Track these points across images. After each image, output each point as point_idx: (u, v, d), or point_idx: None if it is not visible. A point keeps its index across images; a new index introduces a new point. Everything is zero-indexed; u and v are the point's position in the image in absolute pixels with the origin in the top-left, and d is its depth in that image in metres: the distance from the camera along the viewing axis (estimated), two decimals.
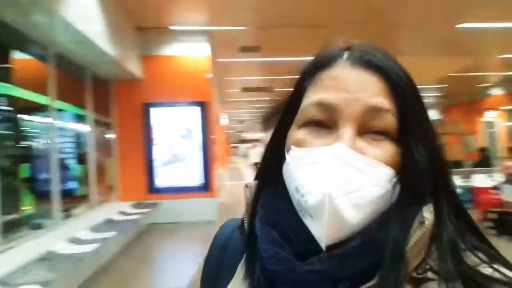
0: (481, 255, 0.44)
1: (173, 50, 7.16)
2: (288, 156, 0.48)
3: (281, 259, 0.43)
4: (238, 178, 16.91)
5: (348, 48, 0.50)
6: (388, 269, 0.40)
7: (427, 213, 0.43)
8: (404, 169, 0.45)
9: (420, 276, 0.42)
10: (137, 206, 6.44)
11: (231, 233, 0.60)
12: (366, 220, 0.43)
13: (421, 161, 0.44)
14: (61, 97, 5.03)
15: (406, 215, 0.43)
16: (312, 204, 0.42)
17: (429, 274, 0.42)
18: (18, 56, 5.88)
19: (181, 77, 7.05)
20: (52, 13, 3.60)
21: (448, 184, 0.47)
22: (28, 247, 3.06)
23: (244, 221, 0.53)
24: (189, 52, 7.20)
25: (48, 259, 2.94)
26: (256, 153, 19.02)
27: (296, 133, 0.48)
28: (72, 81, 5.74)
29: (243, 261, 0.52)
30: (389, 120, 0.45)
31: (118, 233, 4.42)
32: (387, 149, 0.45)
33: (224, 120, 20.50)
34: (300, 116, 0.49)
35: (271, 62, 9.27)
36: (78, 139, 6.41)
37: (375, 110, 0.45)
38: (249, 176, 17.94)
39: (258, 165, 0.57)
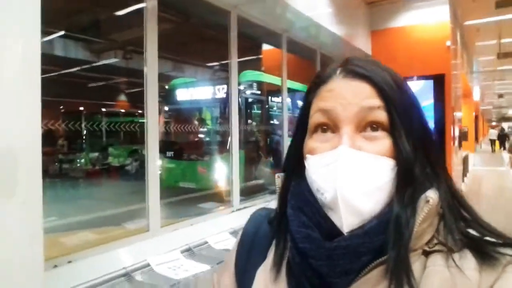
0: (480, 228, 0.52)
1: (406, 20, 6.57)
2: (306, 164, 0.57)
3: (312, 239, 0.52)
4: (493, 163, 13.92)
5: (341, 65, 0.58)
6: (396, 243, 0.48)
7: (432, 193, 0.51)
8: (397, 158, 0.52)
9: (430, 249, 0.50)
10: None
11: (261, 222, 0.68)
12: (376, 206, 0.51)
13: (404, 149, 0.52)
14: (295, 78, 5.59)
15: (405, 197, 0.51)
16: (329, 200, 0.51)
17: (439, 247, 0.50)
18: (264, 47, 6.95)
19: (415, 48, 6.39)
20: (284, 4, 4.00)
21: (444, 169, 0.56)
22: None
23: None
24: (426, 20, 6.43)
25: None
26: (495, 132, 22.43)
27: (308, 142, 0.58)
28: (304, 64, 6.28)
29: (273, 245, 0.61)
30: (381, 115, 0.53)
31: None
32: (383, 142, 0.53)
33: (475, 95, 17.42)
34: (310, 124, 0.58)
35: None
36: None
37: (368, 109, 0.53)
38: (507, 161, 14.59)
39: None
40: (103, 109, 11.93)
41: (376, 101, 0.53)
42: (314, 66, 5.92)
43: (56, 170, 9.03)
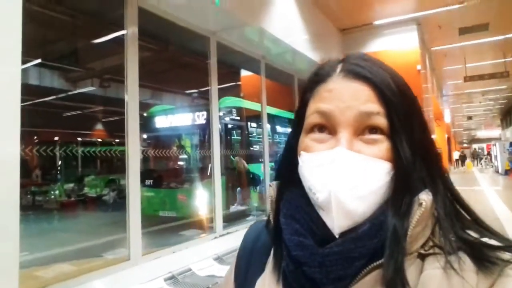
0: (476, 228, 0.51)
1: (377, 46, 6.89)
2: (300, 160, 0.56)
3: (305, 246, 0.51)
4: (468, 183, 14.23)
5: (341, 61, 0.57)
6: (391, 249, 0.47)
7: (425, 196, 0.50)
8: (395, 162, 0.52)
9: (426, 252, 0.49)
10: None
11: (259, 233, 0.67)
12: (369, 209, 0.50)
13: (404, 155, 0.51)
14: (273, 104, 5.68)
15: (402, 201, 0.50)
16: (321, 200, 0.50)
17: (435, 250, 0.49)
18: (243, 73, 7.07)
19: None
20: (262, 31, 4.13)
21: (441, 172, 0.55)
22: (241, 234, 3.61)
23: (270, 217, 0.61)
24: (395, 46, 6.75)
25: None
26: (458, 153, 28.27)
27: (304, 140, 0.56)
28: (282, 90, 6.41)
29: (271, 255, 0.60)
30: (380, 121, 0.52)
31: None
32: (381, 146, 0.52)
33: (446, 117, 18.12)
34: (306, 125, 0.56)
35: (504, 40, 7.55)
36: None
37: (367, 114, 0.51)
38: (484, 181, 15.02)
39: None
40: (79, 139, 11.69)
41: (376, 106, 0.51)
42: (292, 92, 6.07)
43: (30, 202, 8.68)
